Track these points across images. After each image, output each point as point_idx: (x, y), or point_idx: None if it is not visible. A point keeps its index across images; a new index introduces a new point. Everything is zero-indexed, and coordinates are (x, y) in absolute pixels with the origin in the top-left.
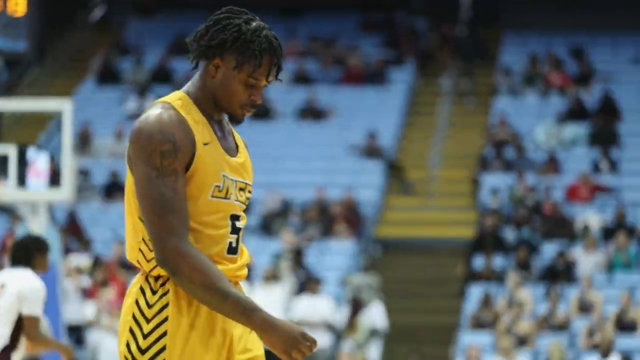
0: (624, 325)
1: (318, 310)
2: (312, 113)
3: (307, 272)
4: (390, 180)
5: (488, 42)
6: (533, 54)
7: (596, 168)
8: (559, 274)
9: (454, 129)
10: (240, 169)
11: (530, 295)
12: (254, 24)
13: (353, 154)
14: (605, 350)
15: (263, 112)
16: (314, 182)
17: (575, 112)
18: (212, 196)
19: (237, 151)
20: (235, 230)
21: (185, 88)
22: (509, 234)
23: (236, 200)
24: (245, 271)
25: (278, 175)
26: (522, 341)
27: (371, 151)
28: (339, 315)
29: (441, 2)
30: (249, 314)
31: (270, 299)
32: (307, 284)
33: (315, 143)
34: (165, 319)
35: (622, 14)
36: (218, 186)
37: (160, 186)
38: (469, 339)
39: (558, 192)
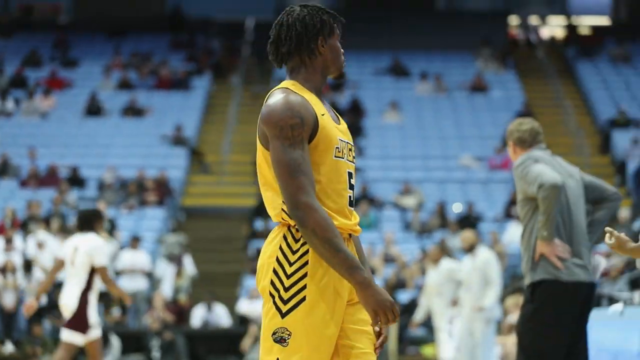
0: None
1: (138, 261)
2: (133, 111)
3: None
4: (192, 163)
5: (267, 59)
6: None
7: None
8: None
9: (240, 124)
10: (346, 132)
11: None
12: (312, 5)
13: (164, 143)
14: None
15: (95, 110)
16: (135, 165)
17: None
18: (335, 156)
19: (339, 119)
20: (351, 186)
21: (289, 78)
22: None
23: (348, 160)
24: (359, 228)
25: (106, 159)
26: None
27: (178, 141)
28: (155, 266)
29: (231, 27)
30: (352, 271)
31: None
32: (130, 242)
33: (135, 134)
34: (306, 263)
35: (363, 34)
36: (337, 147)
37: (292, 153)
38: (250, 282)
39: None
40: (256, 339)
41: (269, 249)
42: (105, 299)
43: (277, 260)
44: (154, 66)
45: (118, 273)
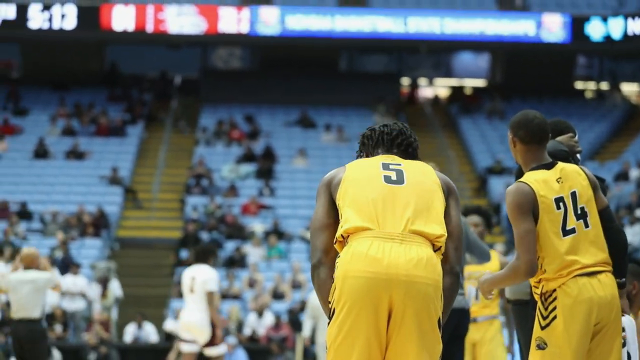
0: (276, 295)
1: (78, 284)
2: (75, 155)
3: (70, 260)
4: (126, 200)
5: (192, 111)
6: (220, 118)
7: (260, 193)
8: (236, 262)
9: (169, 166)
10: None
11: (217, 276)
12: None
13: (102, 183)
14: (261, 311)
15: (42, 153)
16: (76, 201)
17: (248, 157)
18: None
19: None
20: None
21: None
22: (204, 236)
23: None
24: None
25: (51, 196)
26: None
27: (114, 180)
28: (91, 289)
29: (161, 83)
30: None
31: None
32: (70, 267)
33: (77, 175)
34: None
35: (276, 91)
36: None
37: None
38: (177, 304)
39: (236, 209)
40: (179, 354)
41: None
42: (49, 318)
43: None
44: (94, 115)
45: (62, 294)
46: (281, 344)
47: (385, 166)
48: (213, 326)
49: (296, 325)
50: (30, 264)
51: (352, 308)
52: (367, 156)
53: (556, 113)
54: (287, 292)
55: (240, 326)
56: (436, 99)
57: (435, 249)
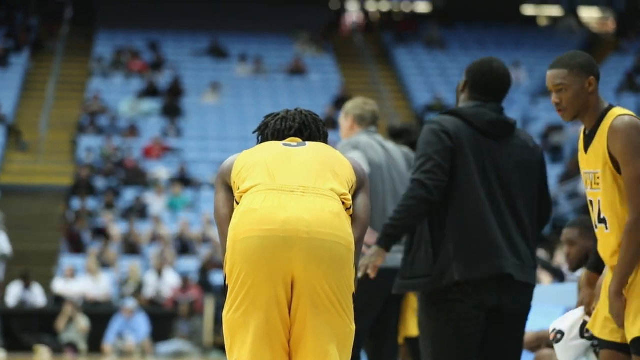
0: (183, 251)
1: None
2: None
3: None
4: (9, 140)
5: (86, 37)
6: (119, 46)
7: (165, 133)
8: (136, 212)
9: (58, 102)
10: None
11: (116, 229)
12: None
13: None
14: (160, 270)
15: None
16: None
17: (150, 91)
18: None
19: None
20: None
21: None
22: (100, 182)
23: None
24: None
25: None
26: (107, 264)
27: None
28: None
29: (49, 5)
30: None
31: None
32: None
33: None
34: None
35: (182, 15)
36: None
37: None
38: (68, 261)
39: (136, 152)
40: (70, 319)
41: None
42: None
43: None
44: None
45: None
46: (189, 307)
47: (286, 144)
48: None
49: (206, 286)
50: None
51: (246, 278)
52: None
53: (505, 42)
54: (195, 247)
55: (140, 287)
56: (367, 26)
57: (345, 208)
